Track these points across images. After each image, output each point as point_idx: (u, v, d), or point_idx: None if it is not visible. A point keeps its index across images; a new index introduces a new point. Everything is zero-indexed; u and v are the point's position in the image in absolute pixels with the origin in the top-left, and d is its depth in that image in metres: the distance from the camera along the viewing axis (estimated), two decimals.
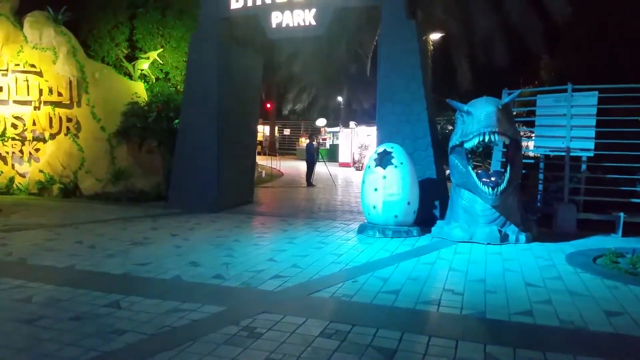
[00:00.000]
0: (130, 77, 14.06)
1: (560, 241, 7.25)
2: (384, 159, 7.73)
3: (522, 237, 7.11)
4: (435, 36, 16.61)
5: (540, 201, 9.52)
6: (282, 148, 35.92)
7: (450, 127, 11.48)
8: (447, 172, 12.09)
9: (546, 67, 13.06)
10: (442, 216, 8.29)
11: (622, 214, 7.71)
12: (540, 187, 9.62)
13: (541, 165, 9.60)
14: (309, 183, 15.72)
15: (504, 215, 7.18)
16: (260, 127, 35.61)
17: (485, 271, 5.46)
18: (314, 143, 18.02)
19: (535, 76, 13.18)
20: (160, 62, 14.45)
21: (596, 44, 11.40)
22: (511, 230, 7.17)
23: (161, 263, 5.52)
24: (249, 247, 6.58)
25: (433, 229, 7.81)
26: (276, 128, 35.79)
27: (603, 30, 11.28)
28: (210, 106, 9.97)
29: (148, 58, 14.21)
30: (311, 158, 16.02)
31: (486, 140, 6.78)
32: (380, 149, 7.87)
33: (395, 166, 7.58)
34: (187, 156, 10.14)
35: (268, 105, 34.04)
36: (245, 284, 4.76)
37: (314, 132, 21.70)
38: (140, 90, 13.21)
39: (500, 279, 5.14)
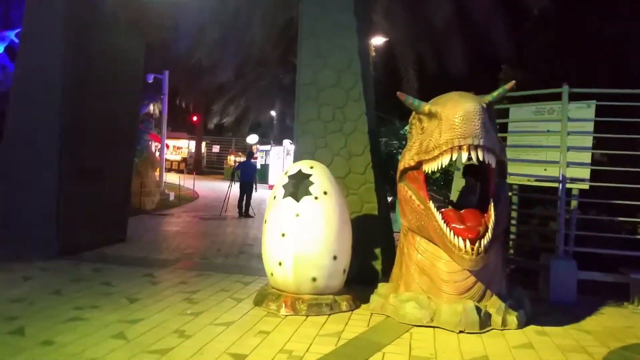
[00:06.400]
0: None
1: (564, 321, 4.67)
2: (298, 186, 4.87)
3: (513, 318, 4.44)
4: (377, 41, 14.28)
5: (514, 249, 7.06)
6: (211, 167, 32.32)
7: (396, 142, 8.82)
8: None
9: (506, 78, 10.92)
10: (386, 272, 5.53)
11: None
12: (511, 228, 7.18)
13: (514, 199, 7.17)
14: (245, 213, 12.36)
15: (483, 281, 4.50)
16: (185, 142, 31.96)
17: None
18: (255, 160, 14.57)
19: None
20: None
21: (569, 53, 9.37)
22: (495, 306, 4.48)
23: None
24: (27, 351, 3.39)
25: (372, 297, 4.98)
26: (203, 144, 32.13)
27: (577, 37, 9.29)
28: (50, 103, 6.65)
29: None
30: (249, 179, 12.66)
31: (463, 159, 4.10)
32: (294, 170, 5.01)
33: (316, 197, 4.74)
34: (15, 176, 6.72)
35: (194, 118, 30.48)
36: None
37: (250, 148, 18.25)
38: None
39: None
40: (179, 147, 31.44)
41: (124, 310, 4.42)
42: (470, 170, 5.54)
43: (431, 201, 4.47)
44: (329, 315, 4.57)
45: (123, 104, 7.95)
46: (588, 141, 6.22)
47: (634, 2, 9.23)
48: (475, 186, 5.38)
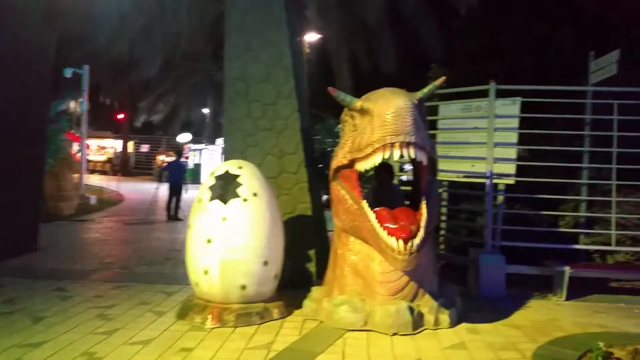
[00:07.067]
0: None
1: (494, 317, 4.72)
2: (226, 188, 4.54)
3: (445, 317, 4.41)
4: (311, 37, 14.13)
5: (444, 244, 7.14)
6: (140, 167, 30.65)
7: (330, 140, 8.72)
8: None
9: (436, 76, 11.17)
10: (321, 275, 5.34)
11: (567, 268, 5.50)
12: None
13: (444, 195, 7.27)
14: (174, 216, 11.62)
15: (416, 280, 4.43)
16: (110, 142, 30.10)
17: None
18: (185, 160, 13.69)
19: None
20: None
21: (495, 51, 9.72)
22: (427, 306, 4.43)
23: None
24: None
25: (305, 302, 4.76)
26: (131, 143, 30.38)
27: (503, 36, 9.66)
28: None
29: None
30: (178, 179, 11.95)
31: (394, 157, 3.99)
32: (221, 171, 4.69)
33: (245, 199, 4.45)
34: None
35: (120, 116, 28.75)
36: None
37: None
38: None
39: None
40: (103, 147, 29.55)
41: (26, 331, 3.88)
42: (382, 169, 5.38)
43: (364, 200, 4.34)
44: (260, 324, 4.30)
45: (29, 100, 7.13)
46: (513, 137, 6.39)
47: (558, 3, 9.72)
48: (390, 183, 5.34)
